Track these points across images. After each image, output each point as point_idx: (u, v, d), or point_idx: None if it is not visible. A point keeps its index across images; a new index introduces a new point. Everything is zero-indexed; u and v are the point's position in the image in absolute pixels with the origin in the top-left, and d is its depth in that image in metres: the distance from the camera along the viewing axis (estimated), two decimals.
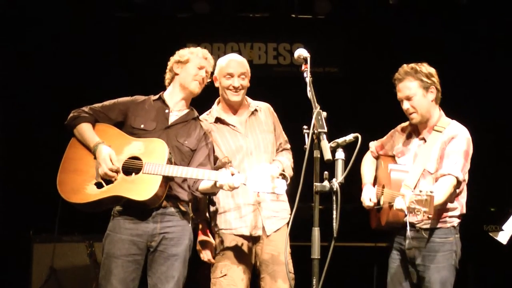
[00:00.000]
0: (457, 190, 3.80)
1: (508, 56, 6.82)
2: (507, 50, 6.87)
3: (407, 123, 4.08)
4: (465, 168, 3.77)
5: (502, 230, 3.87)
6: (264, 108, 4.33)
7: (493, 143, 6.75)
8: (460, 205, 3.85)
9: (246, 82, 4.18)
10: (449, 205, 3.78)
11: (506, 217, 3.98)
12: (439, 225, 3.79)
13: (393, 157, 4.10)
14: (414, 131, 4.00)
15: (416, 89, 3.81)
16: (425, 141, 3.88)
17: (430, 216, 3.34)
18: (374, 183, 4.16)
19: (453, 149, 3.76)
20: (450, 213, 3.80)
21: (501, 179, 6.62)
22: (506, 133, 6.82)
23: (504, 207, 4.24)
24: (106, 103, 3.92)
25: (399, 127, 4.15)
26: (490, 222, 5.74)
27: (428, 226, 3.78)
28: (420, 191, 3.31)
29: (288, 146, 4.36)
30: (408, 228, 3.67)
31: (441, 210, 3.74)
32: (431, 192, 3.30)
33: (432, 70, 3.88)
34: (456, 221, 3.84)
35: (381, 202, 3.98)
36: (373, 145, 4.24)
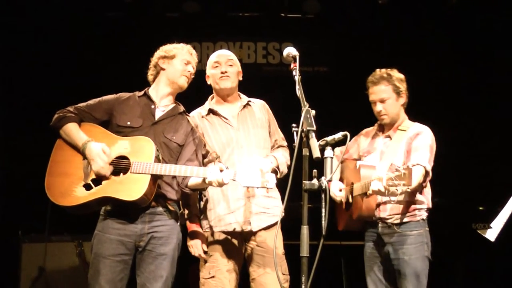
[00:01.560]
0: (424, 184, 3.99)
1: (501, 55, 6.86)
2: (498, 49, 6.91)
3: (370, 128, 4.30)
4: (431, 162, 3.96)
5: (491, 227, 3.94)
6: (259, 105, 4.34)
7: (482, 143, 6.80)
8: (426, 200, 4.04)
9: (234, 70, 4.21)
10: (417, 198, 3.98)
11: (494, 216, 4.03)
12: (409, 219, 3.98)
13: (358, 159, 4.27)
14: (379, 132, 4.22)
15: (390, 93, 4.08)
16: (391, 138, 4.09)
17: (409, 189, 3.51)
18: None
19: (420, 143, 4.00)
20: (418, 206, 3.99)
21: (489, 178, 6.65)
22: (496, 133, 6.85)
23: (492, 206, 4.28)
24: (91, 102, 3.88)
25: (363, 132, 4.36)
26: (478, 220, 5.78)
27: (399, 221, 3.98)
28: (396, 168, 3.50)
29: (285, 143, 4.34)
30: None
31: (409, 203, 3.96)
32: (407, 166, 3.47)
33: (403, 76, 4.15)
34: (424, 215, 4.03)
35: (350, 199, 4.09)
36: (338, 150, 4.29)
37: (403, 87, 4.10)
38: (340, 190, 4.14)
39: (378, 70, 4.13)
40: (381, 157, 4.08)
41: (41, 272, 6.06)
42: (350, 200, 4.08)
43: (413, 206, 3.98)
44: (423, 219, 4.01)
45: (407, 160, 3.95)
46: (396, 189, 3.48)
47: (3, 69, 6.78)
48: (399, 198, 3.78)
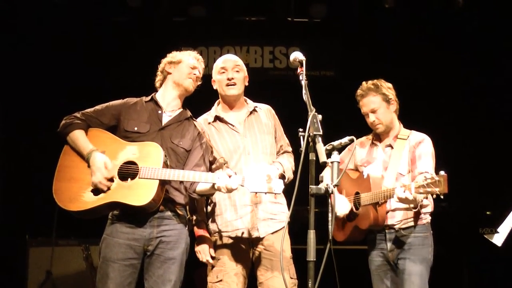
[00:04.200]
0: None
1: (506, 57, 6.85)
2: (504, 51, 6.89)
3: (364, 137, 4.33)
4: (433, 169, 4.00)
5: (497, 232, 3.94)
6: (265, 110, 4.33)
7: (489, 148, 6.78)
8: (431, 203, 4.06)
9: (241, 76, 4.20)
10: (423, 202, 3.96)
11: (501, 220, 4.03)
12: (415, 223, 4.02)
13: (353, 170, 4.32)
14: (377, 141, 4.24)
15: (380, 102, 4.13)
16: (392, 147, 4.13)
17: (442, 196, 3.49)
18: None
19: (423, 151, 4.05)
20: (423, 210, 4.02)
21: (496, 183, 6.63)
22: (502, 138, 6.84)
23: (499, 211, 4.28)
24: (98, 107, 3.90)
25: (357, 142, 4.34)
26: (485, 225, 5.77)
27: (407, 225, 4.01)
28: (425, 177, 3.54)
29: (290, 149, 4.34)
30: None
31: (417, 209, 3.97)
32: (440, 173, 3.50)
33: (390, 85, 4.21)
34: (429, 218, 4.08)
35: (354, 210, 4.09)
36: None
37: (392, 94, 4.16)
38: (345, 206, 4.13)
39: (364, 82, 4.20)
40: (385, 166, 4.11)
41: (48, 276, 6.08)
42: (355, 210, 4.09)
43: (420, 211, 3.99)
44: (428, 223, 4.05)
45: (413, 167, 4.01)
46: (426, 196, 3.56)
47: (13, 74, 6.81)
48: (418, 206, 3.82)
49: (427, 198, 3.79)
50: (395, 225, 4.01)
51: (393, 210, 4.00)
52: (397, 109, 4.20)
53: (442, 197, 3.51)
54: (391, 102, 4.15)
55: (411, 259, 3.95)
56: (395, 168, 4.05)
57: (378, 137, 4.25)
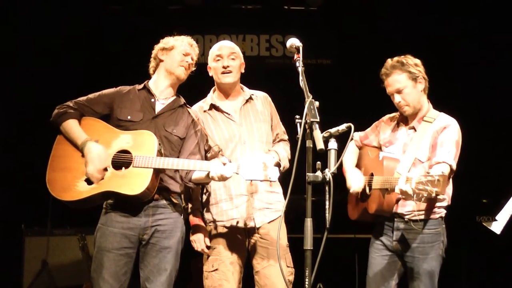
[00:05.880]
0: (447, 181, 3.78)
1: (506, 51, 6.83)
2: (504, 45, 6.87)
3: (393, 114, 4.11)
4: (456, 158, 3.78)
5: (496, 220, 3.88)
6: (262, 98, 4.30)
7: (486, 136, 6.77)
8: (448, 196, 3.84)
9: (236, 63, 4.16)
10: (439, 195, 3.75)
11: (498, 208, 3.98)
12: (428, 217, 3.81)
13: (377, 147, 4.12)
14: (402, 121, 4.02)
15: (406, 81, 3.83)
16: (415, 130, 3.89)
17: (439, 197, 3.34)
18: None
19: (446, 138, 3.77)
20: (438, 204, 3.81)
21: (493, 171, 6.63)
22: (499, 126, 6.82)
23: (496, 199, 4.26)
24: (91, 96, 3.87)
25: (384, 118, 4.17)
26: (482, 213, 5.76)
27: (418, 217, 3.79)
28: (428, 173, 3.33)
29: (286, 137, 4.31)
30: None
31: (431, 201, 3.72)
32: (442, 172, 3.32)
33: (418, 61, 3.90)
34: (443, 212, 3.86)
35: (367, 191, 3.93)
36: (357, 135, 4.21)
37: (419, 71, 3.85)
38: (358, 184, 3.93)
39: (389, 59, 3.91)
40: (404, 150, 3.89)
41: (44, 265, 6.08)
42: (368, 191, 3.93)
43: (434, 204, 3.79)
44: (441, 217, 3.85)
45: (432, 155, 3.76)
46: (425, 194, 3.30)
47: (4, 65, 6.78)
48: (422, 200, 3.53)
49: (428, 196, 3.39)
50: (405, 215, 3.81)
51: (405, 199, 3.75)
52: (426, 88, 3.91)
53: (439, 196, 3.34)
54: (418, 80, 3.84)
55: (421, 259, 3.78)
56: (414, 153, 3.80)
57: (404, 117, 3.98)
